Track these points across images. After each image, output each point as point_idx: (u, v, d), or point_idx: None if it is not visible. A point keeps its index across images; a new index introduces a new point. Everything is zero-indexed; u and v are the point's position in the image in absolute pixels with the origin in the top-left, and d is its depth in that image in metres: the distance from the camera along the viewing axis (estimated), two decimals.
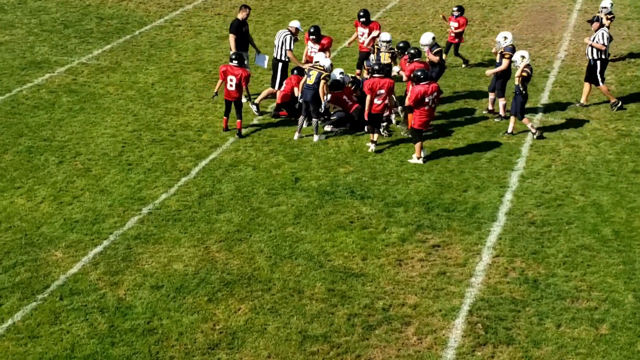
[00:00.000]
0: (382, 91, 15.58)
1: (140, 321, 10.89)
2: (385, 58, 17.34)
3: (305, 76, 16.40)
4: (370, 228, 13.29)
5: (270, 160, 15.53)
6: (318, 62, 16.57)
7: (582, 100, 18.33)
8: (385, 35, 17.59)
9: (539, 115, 17.87)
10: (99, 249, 12.54)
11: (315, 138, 16.31)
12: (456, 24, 20.25)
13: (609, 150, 16.21)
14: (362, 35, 18.71)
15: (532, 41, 22.83)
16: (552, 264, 12.39)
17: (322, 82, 16.12)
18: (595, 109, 18.21)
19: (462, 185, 14.74)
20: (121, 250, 12.48)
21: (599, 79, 18.13)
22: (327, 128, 16.76)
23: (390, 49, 17.48)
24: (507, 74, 17.31)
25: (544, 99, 18.80)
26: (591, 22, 18.68)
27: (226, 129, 16.62)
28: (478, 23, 24.38)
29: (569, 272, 12.21)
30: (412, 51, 16.64)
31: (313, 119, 16.36)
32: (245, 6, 18.23)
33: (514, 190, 14.62)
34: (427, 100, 15.26)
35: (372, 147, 15.94)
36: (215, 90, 16.70)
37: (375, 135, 15.98)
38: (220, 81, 16.41)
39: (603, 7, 20.42)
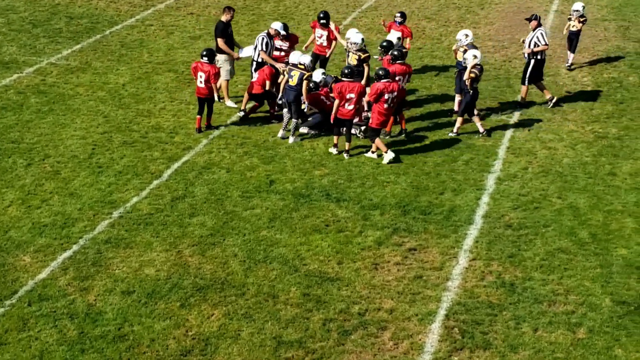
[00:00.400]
0: (352, 95, 15.55)
1: (111, 327, 10.80)
2: (352, 60, 17.31)
3: (287, 76, 16.34)
4: (346, 231, 13.27)
5: (245, 162, 15.47)
6: (299, 62, 16.43)
7: (548, 97, 18.45)
8: (356, 37, 17.47)
9: (516, 117, 17.94)
10: (68, 253, 12.43)
11: (291, 140, 16.27)
12: (399, 34, 18.37)
13: (585, 153, 16.32)
14: (319, 37, 18.59)
15: (509, 42, 22.94)
16: (529, 268, 12.44)
17: (305, 83, 16.05)
18: (572, 111, 18.33)
19: (438, 188, 14.76)
20: (91, 255, 12.37)
21: (526, 79, 18.27)
22: (303, 130, 16.72)
23: (359, 50, 17.38)
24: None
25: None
26: (529, 20, 18.59)
27: (199, 129, 16.56)
28: (454, 24, 24.46)
29: (546, 275, 12.26)
30: (396, 53, 16.59)
31: (292, 119, 16.32)
32: (230, 8, 18.15)
33: (491, 192, 14.67)
34: (386, 97, 15.40)
35: (334, 150, 15.92)
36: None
37: (342, 140, 15.90)
38: (195, 78, 16.55)
39: (575, 10, 20.66)
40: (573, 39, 20.63)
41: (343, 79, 15.73)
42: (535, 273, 12.31)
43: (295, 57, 16.61)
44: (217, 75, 16.47)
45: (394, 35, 17.93)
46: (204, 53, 16.42)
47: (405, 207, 14.07)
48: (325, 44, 18.65)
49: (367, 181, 14.93)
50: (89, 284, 11.70)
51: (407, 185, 14.83)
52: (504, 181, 15.09)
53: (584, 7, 20.86)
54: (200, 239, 12.94)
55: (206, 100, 16.46)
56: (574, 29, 20.53)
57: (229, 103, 17.99)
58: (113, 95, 18.43)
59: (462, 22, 24.65)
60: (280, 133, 16.40)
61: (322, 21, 18.61)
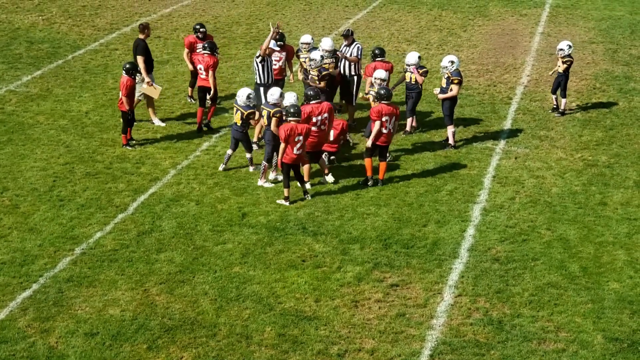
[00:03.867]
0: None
1: None
2: (314, 80, 17.36)
3: (261, 117, 16.14)
4: (324, 267, 13.26)
5: (215, 194, 15.45)
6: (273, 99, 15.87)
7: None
8: (315, 54, 17.59)
9: (502, 144, 18.07)
10: (27, 293, 12.31)
11: (259, 182, 15.96)
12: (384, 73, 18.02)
13: (575, 181, 16.44)
14: (278, 61, 18.51)
15: (493, 66, 23.16)
16: (517, 304, 12.46)
17: (274, 120, 15.61)
18: (560, 138, 18.49)
19: (421, 220, 14.80)
20: (52, 294, 12.27)
21: (354, 97, 18.57)
22: (271, 176, 16.13)
23: (318, 67, 17.38)
24: (454, 99, 17.58)
25: (507, 126, 19.03)
26: (346, 36, 18.57)
27: (200, 127, 18.11)
28: (436, 47, 24.68)
29: (536, 311, 12.29)
30: (382, 92, 16.13)
31: (263, 162, 16.03)
32: (147, 25, 18.58)
33: (477, 224, 14.72)
34: (314, 120, 15.58)
35: (306, 186, 15.60)
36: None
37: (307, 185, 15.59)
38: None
39: (560, 50, 19.39)
40: (561, 81, 19.41)
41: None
42: (524, 309, 12.33)
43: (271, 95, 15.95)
44: (216, 65, 17.87)
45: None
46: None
47: (387, 240, 14.09)
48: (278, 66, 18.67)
49: (346, 213, 14.95)
50: (50, 325, 11.59)
51: (388, 217, 14.85)
52: (490, 212, 15.15)
53: (570, 47, 19.45)
54: (168, 276, 12.87)
55: (208, 91, 17.90)
56: (561, 70, 19.32)
57: (157, 122, 18.49)
58: (75, 123, 18.38)
59: (444, 44, 24.87)
60: (251, 169, 16.44)
61: (278, 42, 18.52)
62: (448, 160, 17.20)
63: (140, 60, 18.05)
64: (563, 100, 19.61)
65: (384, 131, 15.80)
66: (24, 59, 22.38)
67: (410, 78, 18.06)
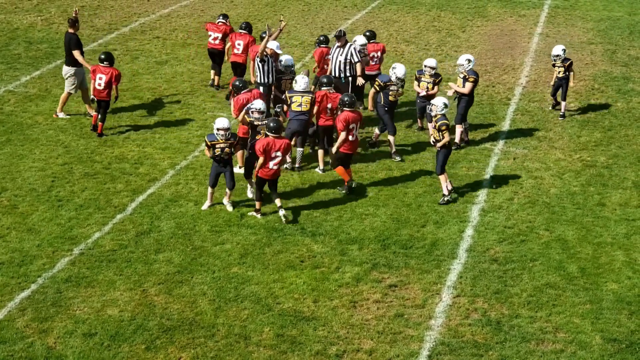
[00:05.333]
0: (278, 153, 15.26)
1: None
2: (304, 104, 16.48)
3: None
4: (322, 267, 13.26)
5: (214, 195, 15.43)
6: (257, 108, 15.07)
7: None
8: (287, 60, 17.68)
9: (500, 145, 18.07)
10: (26, 293, 12.31)
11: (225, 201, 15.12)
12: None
13: (573, 182, 16.45)
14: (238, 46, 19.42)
15: (492, 66, 23.17)
16: (515, 304, 12.47)
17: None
18: (559, 138, 18.50)
19: (420, 220, 14.80)
20: (50, 295, 12.27)
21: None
22: (249, 194, 15.38)
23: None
24: (471, 99, 17.53)
25: (505, 127, 19.04)
26: (338, 37, 18.38)
27: (95, 127, 17.89)
28: (435, 47, 24.69)
29: (534, 312, 12.29)
30: (346, 99, 15.83)
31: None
32: (77, 19, 18.92)
33: (475, 225, 14.73)
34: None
35: (256, 214, 14.77)
36: (91, 95, 17.94)
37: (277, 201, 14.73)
38: (93, 82, 17.67)
39: (555, 56, 19.16)
40: (562, 85, 19.25)
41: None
42: (523, 310, 12.34)
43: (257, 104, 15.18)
44: (119, 77, 17.86)
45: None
46: (103, 57, 17.73)
47: (385, 241, 14.09)
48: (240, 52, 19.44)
49: (344, 214, 14.95)
50: (49, 325, 11.59)
51: (386, 217, 14.86)
52: (488, 213, 15.16)
53: (564, 51, 19.32)
54: (166, 276, 12.87)
55: (102, 103, 17.75)
56: (561, 74, 19.13)
57: (61, 115, 18.67)
58: (74, 124, 18.38)
59: (443, 45, 24.88)
60: (228, 206, 15.07)
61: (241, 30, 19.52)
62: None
63: (76, 53, 18.36)
64: (563, 103, 19.51)
65: (351, 139, 15.62)
66: (23, 59, 22.37)
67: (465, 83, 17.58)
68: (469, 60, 17.54)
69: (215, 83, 20.59)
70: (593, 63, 23.68)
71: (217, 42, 20.17)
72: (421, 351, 11.37)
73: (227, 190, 14.90)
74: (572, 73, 19.21)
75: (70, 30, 18.62)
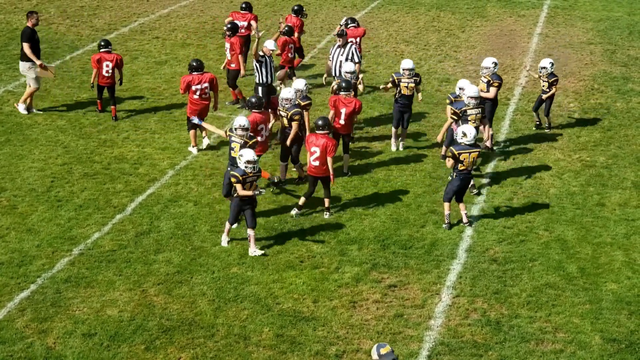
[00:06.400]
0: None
1: None
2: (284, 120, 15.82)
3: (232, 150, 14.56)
4: (322, 268, 13.26)
5: (213, 194, 15.44)
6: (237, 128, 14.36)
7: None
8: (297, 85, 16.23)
9: (500, 145, 18.06)
10: (25, 293, 12.31)
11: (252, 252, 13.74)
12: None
13: (573, 182, 16.45)
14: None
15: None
16: (515, 304, 12.47)
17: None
18: (559, 138, 18.50)
19: (419, 221, 14.80)
20: (50, 295, 12.27)
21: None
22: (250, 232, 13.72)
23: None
24: (495, 102, 17.45)
25: (505, 127, 19.04)
26: (340, 35, 18.41)
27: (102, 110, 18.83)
28: (434, 47, 24.69)
29: (533, 312, 12.30)
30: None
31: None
32: (33, 12, 18.99)
33: (475, 225, 14.73)
34: (194, 88, 16.66)
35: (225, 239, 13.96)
36: (92, 82, 18.59)
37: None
38: (95, 70, 18.32)
39: (542, 68, 18.50)
40: (545, 101, 18.58)
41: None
42: (522, 310, 12.34)
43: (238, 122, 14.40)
44: (122, 61, 18.66)
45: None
46: (102, 43, 18.60)
47: (385, 241, 14.09)
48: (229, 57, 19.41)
49: (344, 214, 14.95)
50: (48, 325, 11.59)
51: (386, 217, 14.86)
52: (488, 213, 15.16)
53: (552, 65, 18.59)
54: (166, 276, 12.87)
55: (108, 89, 18.54)
56: (545, 88, 18.47)
57: (21, 108, 18.78)
58: (73, 124, 18.37)
59: (442, 45, 24.89)
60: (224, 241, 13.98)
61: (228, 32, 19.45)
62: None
63: (26, 47, 18.45)
64: (546, 118, 18.81)
65: (260, 139, 15.14)
66: None
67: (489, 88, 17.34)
68: (495, 64, 17.36)
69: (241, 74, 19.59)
70: (592, 63, 23.68)
71: (242, 30, 20.46)
72: (421, 351, 11.37)
73: (248, 232, 13.54)
74: (554, 90, 18.46)
75: (28, 24, 18.69)
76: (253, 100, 15.46)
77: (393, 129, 17.65)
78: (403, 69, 17.18)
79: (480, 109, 15.92)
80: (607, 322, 12.12)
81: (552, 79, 18.48)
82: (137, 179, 15.98)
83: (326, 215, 14.81)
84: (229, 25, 19.38)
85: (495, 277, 13.16)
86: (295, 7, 21.47)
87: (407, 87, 17.24)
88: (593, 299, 12.66)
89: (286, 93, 15.56)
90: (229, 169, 14.33)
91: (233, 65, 19.14)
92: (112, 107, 18.61)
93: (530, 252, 13.92)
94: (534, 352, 11.43)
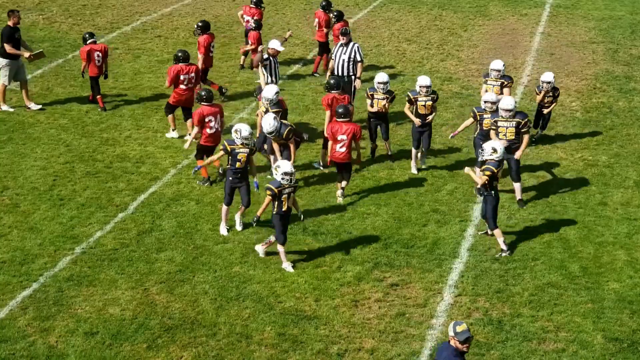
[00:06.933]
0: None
1: None
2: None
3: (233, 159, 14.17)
4: (324, 266, 13.26)
5: (215, 193, 15.44)
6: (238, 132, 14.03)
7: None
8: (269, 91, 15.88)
9: None
10: (27, 292, 12.31)
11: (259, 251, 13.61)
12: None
13: (575, 181, 16.43)
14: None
15: None
16: (517, 303, 12.47)
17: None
18: (561, 138, 18.48)
19: (421, 220, 14.80)
20: (52, 294, 12.27)
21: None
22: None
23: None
24: None
25: None
26: (344, 34, 18.06)
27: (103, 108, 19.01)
28: (436, 46, 24.67)
29: (535, 311, 12.29)
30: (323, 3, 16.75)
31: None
32: (14, 11, 18.98)
33: (477, 224, 14.72)
34: (182, 78, 17.13)
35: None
36: (82, 70, 19.07)
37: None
38: (84, 63, 18.84)
39: (547, 82, 17.55)
40: (544, 115, 18.02)
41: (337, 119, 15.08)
42: (524, 309, 12.34)
43: (241, 127, 14.08)
44: (107, 51, 19.19)
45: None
46: (87, 36, 19.09)
47: (387, 240, 14.09)
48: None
49: (345, 213, 14.95)
50: (50, 324, 11.59)
51: (388, 216, 14.85)
52: None
53: (554, 77, 17.83)
54: (168, 275, 12.87)
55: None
56: (546, 103, 17.80)
57: (5, 107, 18.82)
58: (76, 122, 18.38)
59: (444, 44, 24.87)
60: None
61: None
62: (448, 160, 17.20)
63: (7, 47, 18.51)
64: (541, 131, 18.25)
65: (209, 132, 15.35)
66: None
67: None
68: (504, 65, 17.31)
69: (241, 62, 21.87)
70: (595, 62, 23.66)
71: (248, 25, 21.66)
72: (423, 350, 11.37)
73: (241, 206, 14.09)
74: (556, 103, 18.03)
75: (9, 22, 18.71)
76: (202, 93, 15.67)
77: (413, 150, 16.55)
78: (420, 86, 16.10)
79: (513, 123, 15.08)
80: (609, 322, 12.12)
81: (557, 93, 17.93)
82: (139, 177, 15.98)
83: (339, 196, 15.20)
84: (199, 24, 19.80)
85: (497, 276, 13.15)
86: (324, 3, 21.91)
87: (424, 105, 16.19)
88: (595, 298, 12.65)
89: (266, 126, 14.72)
90: (230, 178, 14.13)
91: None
92: (98, 96, 19.06)
93: (532, 251, 13.91)
94: (536, 351, 11.42)
